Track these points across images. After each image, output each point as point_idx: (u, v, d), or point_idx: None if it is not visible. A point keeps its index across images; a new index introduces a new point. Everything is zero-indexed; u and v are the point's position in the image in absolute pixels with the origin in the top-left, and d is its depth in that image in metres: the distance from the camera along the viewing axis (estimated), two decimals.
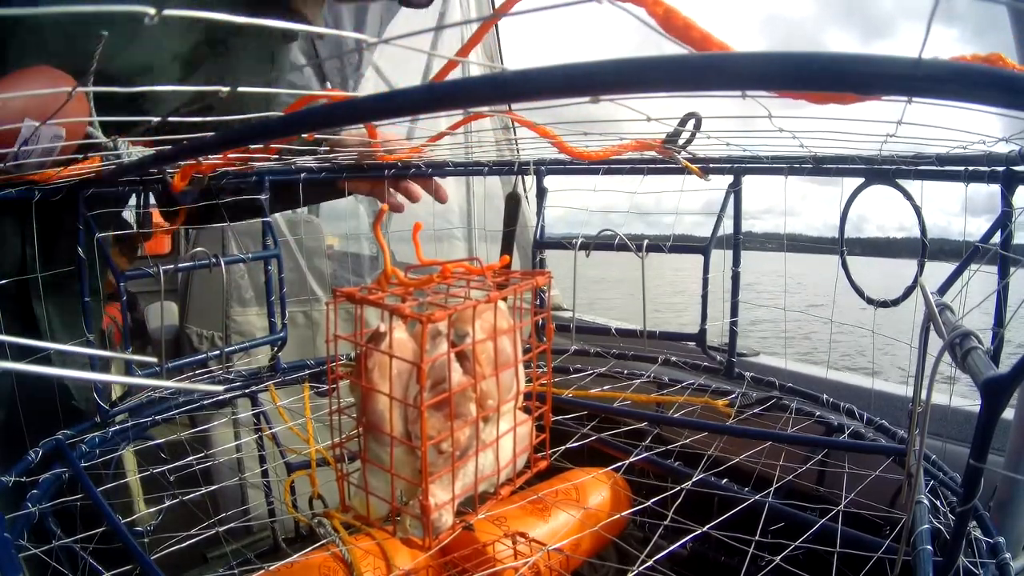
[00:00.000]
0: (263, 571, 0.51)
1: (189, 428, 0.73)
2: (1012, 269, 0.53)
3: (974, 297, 0.53)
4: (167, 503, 0.59)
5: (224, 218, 0.69)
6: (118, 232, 0.66)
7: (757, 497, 0.54)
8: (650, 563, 0.46)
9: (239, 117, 0.39)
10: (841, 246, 0.69)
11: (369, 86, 1.56)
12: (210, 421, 0.71)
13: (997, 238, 0.55)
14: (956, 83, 0.16)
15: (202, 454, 0.63)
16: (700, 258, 0.72)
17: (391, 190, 0.79)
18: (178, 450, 0.65)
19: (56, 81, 0.45)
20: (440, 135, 0.64)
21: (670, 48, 0.22)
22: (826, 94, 0.23)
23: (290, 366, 0.79)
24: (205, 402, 0.69)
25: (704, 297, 0.75)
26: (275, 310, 0.77)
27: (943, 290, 0.57)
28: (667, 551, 0.47)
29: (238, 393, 0.74)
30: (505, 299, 0.43)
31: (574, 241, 0.78)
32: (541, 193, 0.83)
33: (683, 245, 0.73)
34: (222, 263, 0.68)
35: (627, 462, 0.61)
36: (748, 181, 0.73)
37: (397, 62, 1.59)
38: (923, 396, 0.36)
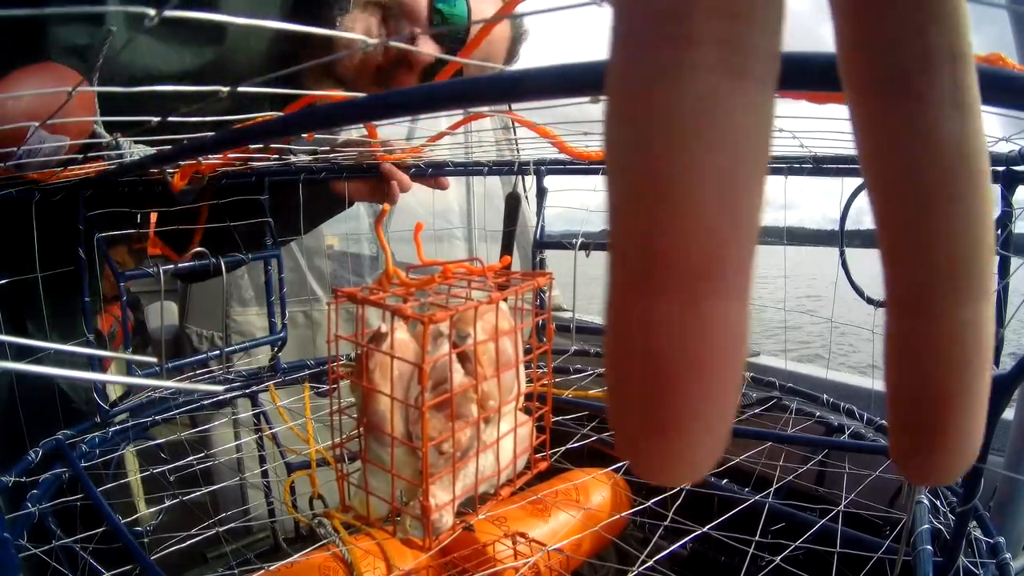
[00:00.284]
0: (263, 571, 0.51)
1: (189, 428, 0.73)
2: (1012, 269, 0.53)
3: None
4: (167, 503, 0.59)
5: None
6: (125, 232, 0.66)
7: (757, 497, 0.54)
8: (650, 563, 0.46)
9: (239, 117, 0.39)
10: (841, 246, 0.69)
11: None
12: (210, 421, 0.71)
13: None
14: None
15: (202, 454, 0.63)
16: None
17: (386, 187, 0.79)
18: (178, 450, 0.65)
19: (62, 79, 0.45)
20: (440, 135, 0.64)
21: None
22: (826, 94, 0.23)
23: (290, 366, 0.79)
24: (205, 402, 0.69)
25: None
26: (275, 310, 0.77)
27: None
28: (667, 551, 0.47)
29: (238, 393, 0.74)
30: (506, 300, 0.43)
31: (574, 241, 0.78)
32: (541, 193, 0.83)
33: None
34: (222, 263, 0.68)
35: (627, 462, 0.61)
36: None
37: None
38: None
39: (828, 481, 0.65)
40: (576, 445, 0.64)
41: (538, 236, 0.82)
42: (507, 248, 1.00)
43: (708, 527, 0.50)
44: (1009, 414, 0.50)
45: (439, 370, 0.40)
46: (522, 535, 0.56)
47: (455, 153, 0.83)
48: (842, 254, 0.69)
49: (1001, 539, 0.42)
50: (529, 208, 1.01)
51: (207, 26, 0.58)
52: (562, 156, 0.64)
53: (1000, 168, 0.55)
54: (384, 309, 0.39)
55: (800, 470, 0.59)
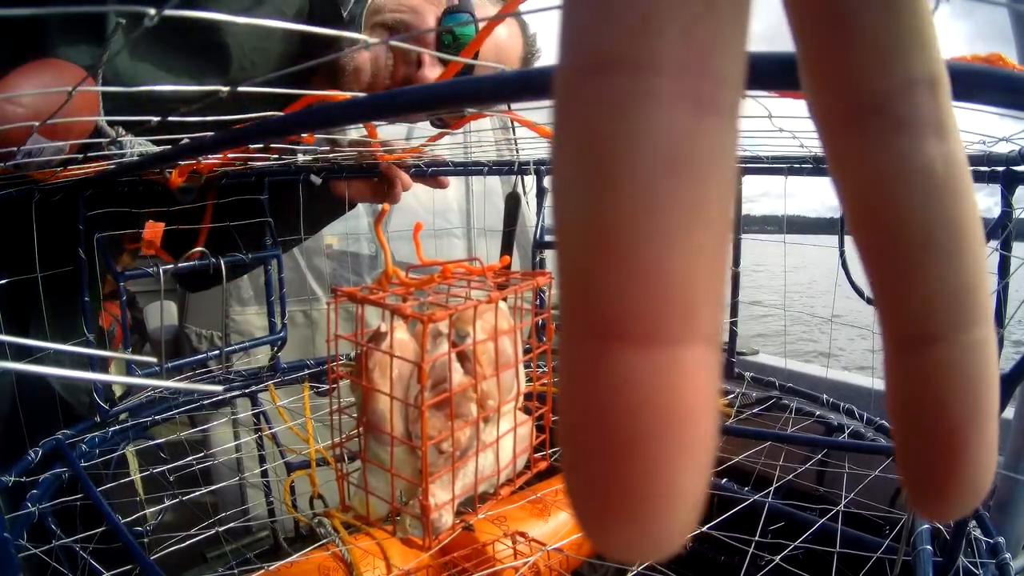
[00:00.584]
0: (263, 571, 0.51)
1: (189, 428, 0.73)
2: (1012, 269, 0.53)
3: None
4: (167, 503, 0.59)
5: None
6: (124, 232, 0.66)
7: (757, 497, 0.54)
8: (650, 562, 0.46)
9: (239, 117, 0.39)
10: (841, 245, 0.69)
11: None
12: (210, 421, 0.71)
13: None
14: (956, 83, 0.16)
15: (202, 454, 0.63)
16: None
17: (387, 187, 0.79)
18: (178, 450, 0.65)
19: (64, 76, 0.45)
20: (440, 135, 0.64)
21: None
22: None
23: (290, 366, 0.79)
24: (205, 402, 0.69)
25: None
26: (275, 310, 0.77)
27: None
28: None
29: (238, 393, 0.74)
30: (506, 299, 0.43)
31: None
32: (541, 193, 0.83)
33: None
34: (222, 263, 0.68)
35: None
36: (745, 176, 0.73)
37: None
38: None
39: (828, 481, 0.65)
40: None
41: (538, 236, 0.82)
42: (507, 248, 1.00)
43: (708, 526, 0.50)
44: (1009, 414, 0.50)
45: (438, 369, 0.40)
46: (522, 534, 0.56)
47: (455, 153, 0.83)
48: (842, 254, 0.69)
49: (1001, 539, 0.42)
50: (529, 208, 1.01)
51: (210, 55, 0.58)
52: None
53: (1000, 168, 0.55)
54: (384, 308, 0.39)
55: (800, 469, 0.59)
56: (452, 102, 0.23)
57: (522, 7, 0.29)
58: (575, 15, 0.07)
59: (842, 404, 0.68)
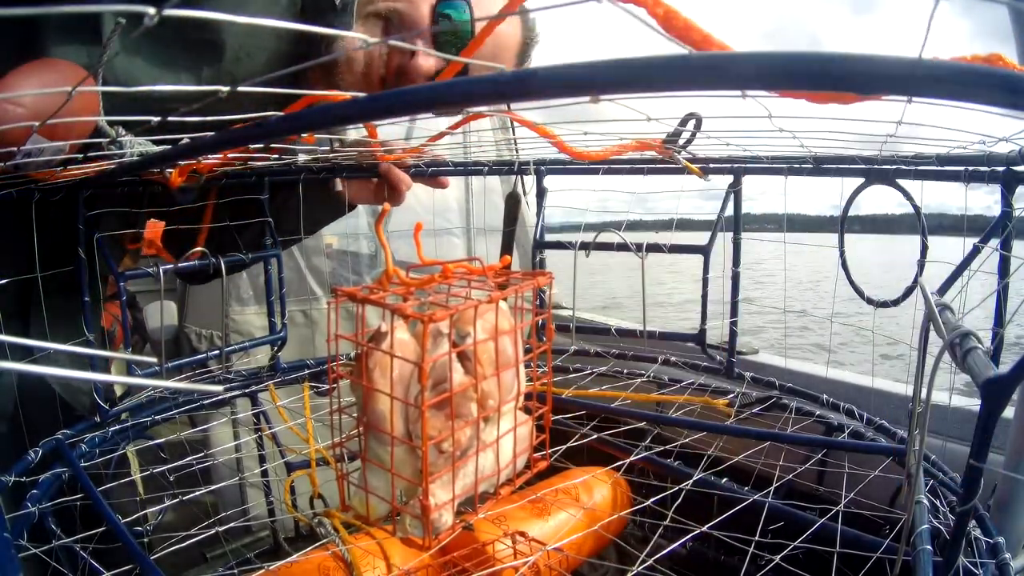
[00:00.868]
0: (263, 571, 0.51)
1: (189, 428, 0.73)
2: (1012, 269, 0.53)
3: (974, 296, 0.53)
4: (167, 503, 0.59)
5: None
6: (123, 231, 0.66)
7: (757, 497, 0.54)
8: (650, 562, 0.46)
9: (240, 117, 0.39)
10: (841, 245, 0.69)
11: None
12: (210, 421, 0.71)
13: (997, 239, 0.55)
14: (956, 83, 0.16)
15: (202, 454, 0.63)
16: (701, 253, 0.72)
17: (389, 187, 0.79)
18: (178, 450, 0.65)
19: (64, 75, 0.44)
20: (440, 135, 0.64)
21: (670, 48, 0.22)
22: (826, 94, 0.23)
23: (290, 366, 0.79)
24: (205, 402, 0.69)
25: (704, 297, 0.75)
26: (275, 309, 0.77)
27: (943, 290, 0.57)
28: (667, 550, 0.47)
29: (238, 393, 0.74)
30: (506, 299, 0.43)
31: (574, 242, 0.78)
32: (541, 193, 0.83)
33: (683, 245, 0.74)
34: (222, 263, 0.68)
35: (627, 461, 0.61)
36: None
37: None
38: (923, 396, 0.36)
39: (828, 481, 0.65)
40: (576, 444, 0.64)
41: (538, 236, 0.82)
42: (507, 248, 1.00)
43: (708, 526, 0.50)
44: (1009, 414, 0.50)
45: (439, 369, 0.40)
46: (522, 534, 0.56)
47: (454, 153, 0.83)
48: (842, 254, 0.69)
49: (1001, 539, 0.42)
50: (529, 208, 1.01)
51: (204, 47, 0.57)
52: (562, 156, 0.64)
53: (1000, 168, 0.55)
54: (384, 308, 0.39)
55: (799, 469, 0.59)
56: (453, 102, 0.23)
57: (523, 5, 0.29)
58: None
59: (842, 404, 0.68)
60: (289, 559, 0.52)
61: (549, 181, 0.83)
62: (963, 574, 0.37)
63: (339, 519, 0.55)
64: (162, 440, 0.65)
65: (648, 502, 0.55)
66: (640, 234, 0.76)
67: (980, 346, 0.32)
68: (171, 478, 0.60)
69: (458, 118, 0.54)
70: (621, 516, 0.66)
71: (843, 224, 0.68)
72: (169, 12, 0.20)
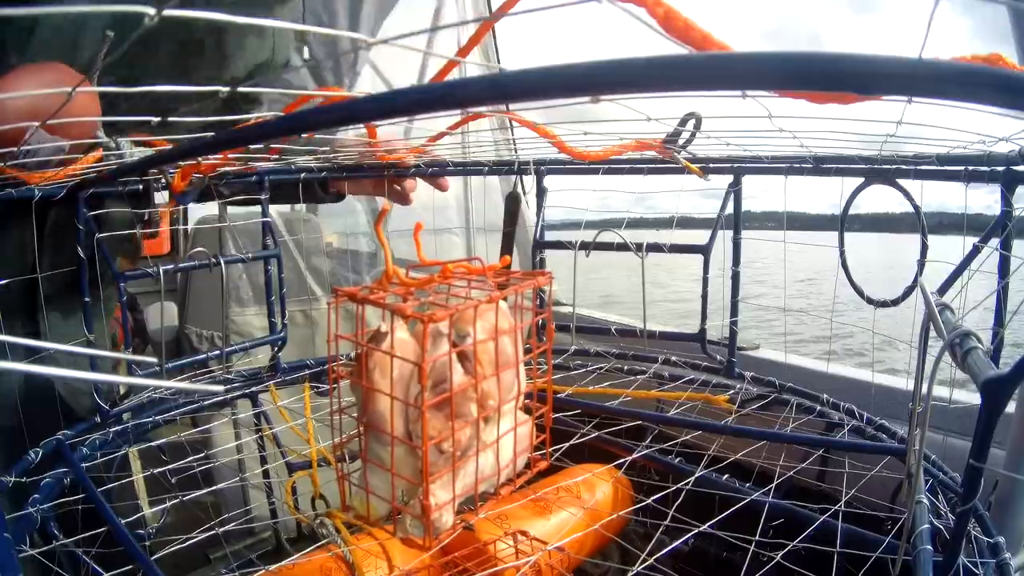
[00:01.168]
0: (265, 571, 0.51)
1: (190, 429, 0.73)
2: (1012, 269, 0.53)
3: (974, 296, 0.53)
4: (168, 504, 0.59)
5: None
6: (120, 232, 0.66)
7: (758, 494, 0.54)
8: (651, 560, 0.46)
9: (240, 117, 0.40)
10: (841, 245, 0.69)
11: (366, 85, 1.56)
12: (211, 422, 0.71)
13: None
14: (956, 83, 0.16)
15: (203, 455, 0.63)
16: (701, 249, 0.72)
17: (395, 185, 0.79)
18: (179, 451, 0.65)
19: (63, 79, 0.44)
20: (439, 135, 0.64)
21: (670, 48, 0.22)
22: (826, 94, 0.23)
23: (290, 366, 0.79)
24: (206, 403, 0.69)
25: (704, 297, 0.75)
26: (275, 310, 0.77)
27: (943, 290, 0.57)
28: (668, 548, 0.47)
29: (238, 393, 0.74)
30: (506, 299, 0.43)
31: (574, 242, 0.78)
32: (541, 193, 0.83)
33: (683, 245, 0.74)
34: (222, 263, 0.68)
35: (628, 460, 0.61)
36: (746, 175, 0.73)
37: (394, 61, 1.59)
38: (923, 396, 0.36)
39: (829, 478, 0.65)
40: (577, 442, 0.64)
41: (538, 236, 0.82)
42: (507, 248, 1.00)
43: (709, 524, 0.50)
44: (1010, 410, 0.50)
45: (439, 369, 0.40)
46: (523, 533, 0.56)
47: (454, 153, 0.84)
48: (842, 254, 0.69)
49: (1001, 538, 0.42)
50: (529, 208, 1.01)
51: None
52: (562, 156, 0.64)
53: (1000, 168, 0.55)
54: (384, 308, 0.39)
55: (800, 467, 0.59)
56: (452, 102, 0.23)
57: (521, 5, 0.29)
58: None
59: (842, 404, 0.68)
60: (291, 560, 0.52)
61: (549, 181, 0.83)
62: (963, 573, 0.37)
63: (340, 519, 0.55)
64: (163, 441, 0.65)
65: (649, 500, 0.55)
66: (640, 232, 0.76)
67: (980, 346, 0.32)
68: (172, 479, 0.60)
69: (457, 117, 0.54)
70: (622, 514, 0.66)
71: (843, 224, 0.68)
72: (169, 12, 0.20)
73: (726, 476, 0.57)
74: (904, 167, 0.62)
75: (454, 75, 0.35)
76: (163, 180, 0.60)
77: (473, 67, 1.21)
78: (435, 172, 0.80)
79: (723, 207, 0.73)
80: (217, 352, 0.75)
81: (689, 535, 0.50)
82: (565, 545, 0.58)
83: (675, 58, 0.18)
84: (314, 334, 1.33)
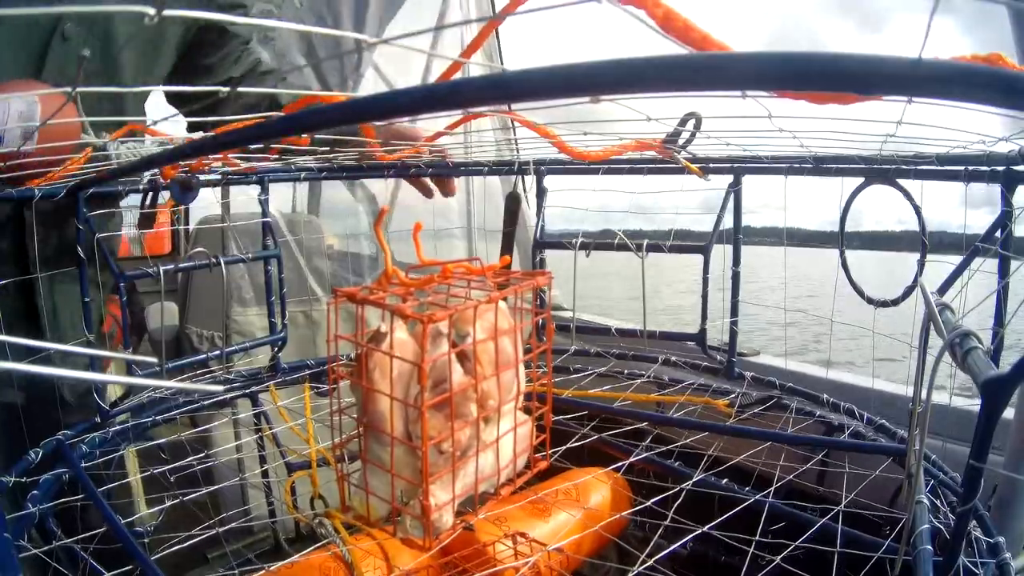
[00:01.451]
0: (264, 571, 0.51)
1: (190, 428, 0.73)
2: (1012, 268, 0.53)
3: (974, 296, 0.53)
4: (168, 503, 0.59)
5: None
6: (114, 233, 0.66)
7: (757, 497, 0.54)
8: (650, 563, 0.46)
9: (241, 117, 0.40)
10: (841, 245, 0.69)
11: (369, 86, 1.56)
12: (211, 421, 0.71)
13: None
14: (956, 83, 0.16)
15: (203, 454, 0.63)
16: (699, 255, 0.72)
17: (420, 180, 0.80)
18: (179, 450, 0.65)
19: (44, 97, 0.46)
20: (439, 134, 0.64)
21: (671, 48, 0.22)
22: (826, 94, 0.23)
23: (290, 366, 0.79)
24: (205, 402, 0.69)
25: (704, 297, 0.75)
26: (275, 310, 0.77)
27: (943, 290, 0.57)
28: (667, 551, 0.47)
29: (238, 393, 0.74)
30: (506, 299, 0.43)
31: (574, 241, 0.78)
32: (541, 193, 0.83)
33: (683, 244, 0.74)
34: (222, 263, 0.68)
35: (627, 462, 0.61)
36: (746, 178, 0.73)
37: (397, 61, 1.59)
38: (923, 396, 0.36)
39: (828, 481, 0.65)
40: (576, 444, 0.64)
41: (538, 236, 0.82)
42: (507, 248, 0.99)
43: (708, 526, 0.50)
44: (1009, 414, 0.50)
45: (438, 369, 0.40)
46: (522, 535, 0.56)
47: (455, 153, 0.84)
48: (842, 254, 0.69)
49: (1001, 539, 0.42)
50: (529, 208, 1.01)
51: None
52: (562, 156, 0.64)
53: (1000, 168, 0.55)
54: (384, 309, 0.39)
55: (800, 470, 0.59)
56: (454, 102, 0.23)
57: (521, 7, 0.29)
58: None
59: (842, 404, 0.68)
60: (290, 559, 0.52)
61: (549, 181, 0.83)
62: (963, 574, 0.37)
63: (340, 520, 0.55)
64: (163, 440, 0.65)
65: (649, 502, 0.55)
66: (640, 229, 0.76)
67: (980, 346, 0.32)
68: (172, 479, 0.60)
69: (457, 117, 0.54)
70: (622, 516, 0.66)
71: (843, 224, 0.68)
72: (169, 12, 0.20)
73: (725, 479, 0.57)
74: (904, 167, 0.62)
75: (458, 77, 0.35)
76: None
77: (476, 68, 1.21)
78: (436, 172, 0.80)
79: (723, 207, 0.73)
80: (217, 352, 0.75)
81: (688, 537, 0.50)
82: (564, 547, 0.58)
83: (675, 58, 0.18)
84: (315, 334, 1.33)
